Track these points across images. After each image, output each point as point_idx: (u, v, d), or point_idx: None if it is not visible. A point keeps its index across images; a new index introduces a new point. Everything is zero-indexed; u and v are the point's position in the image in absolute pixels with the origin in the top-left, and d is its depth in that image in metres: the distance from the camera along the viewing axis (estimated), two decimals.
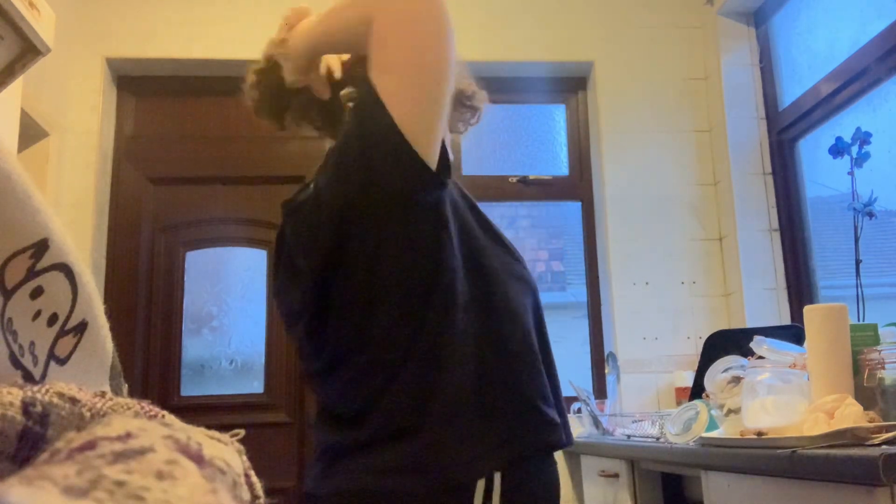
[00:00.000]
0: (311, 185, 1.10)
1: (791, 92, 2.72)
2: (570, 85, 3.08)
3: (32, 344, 0.39)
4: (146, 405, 0.37)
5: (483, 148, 3.02)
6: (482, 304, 1.04)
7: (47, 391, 0.33)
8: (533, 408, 1.04)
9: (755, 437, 1.40)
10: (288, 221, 1.15)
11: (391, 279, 1.00)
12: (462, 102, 1.24)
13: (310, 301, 1.05)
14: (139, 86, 2.92)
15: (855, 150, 2.19)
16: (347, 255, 1.01)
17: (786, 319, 2.63)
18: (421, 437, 0.97)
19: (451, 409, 0.99)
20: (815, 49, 2.59)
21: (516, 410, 1.02)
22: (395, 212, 0.99)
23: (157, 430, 0.30)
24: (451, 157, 1.03)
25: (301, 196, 1.12)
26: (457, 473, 0.97)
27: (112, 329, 0.46)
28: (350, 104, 1.13)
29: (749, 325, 2.58)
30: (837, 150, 2.22)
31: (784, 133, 2.74)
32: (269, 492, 0.38)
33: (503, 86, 2.96)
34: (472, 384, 1.00)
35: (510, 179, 2.96)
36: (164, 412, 0.38)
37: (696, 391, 1.98)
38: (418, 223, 1.00)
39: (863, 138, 2.17)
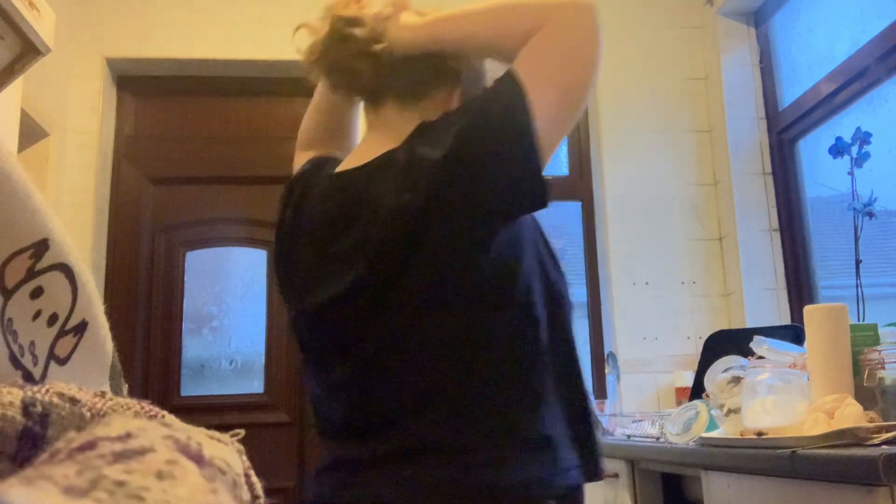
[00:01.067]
0: (398, 152, 1.00)
1: (791, 92, 2.72)
2: None
3: (32, 344, 0.39)
4: (146, 405, 0.37)
5: None
6: (552, 327, 1.00)
7: (47, 391, 0.33)
8: (589, 435, 1.01)
9: (755, 437, 1.40)
10: (369, 179, 1.01)
11: (467, 283, 0.94)
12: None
13: (369, 279, 0.96)
14: (139, 86, 2.92)
15: (855, 150, 2.19)
16: (427, 243, 0.94)
17: (786, 319, 2.63)
18: (476, 455, 0.91)
19: (514, 429, 0.94)
20: (815, 49, 2.59)
21: (573, 438, 0.98)
22: (497, 218, 0.95)
23: (157, 430, 0.30)
24: None
25: (378, 161, 1.01)
26: (514, 497, 0.90)
27: (112, 329, 0.46)
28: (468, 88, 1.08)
29: (749, 325, 2.58)
30: (837, 150, 2.22)
31: (784, 133, 2.74)
32: (269, 492, 0.38)
33: None
34: (533, 405, 0.96)
35: None
36: (164, 412, 0.38)
37: (696, 391, 1.98)
38: (507, 232, 0.97)
39: (863, 138, 2.17)
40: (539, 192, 0.95)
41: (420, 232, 0.93)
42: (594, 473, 1.01)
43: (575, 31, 0.97)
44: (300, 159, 1.32)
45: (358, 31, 1.05)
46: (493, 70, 1.11)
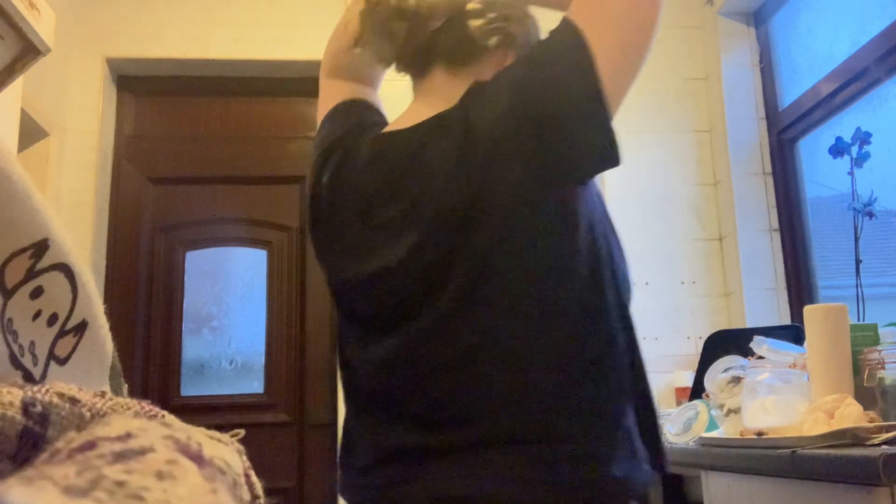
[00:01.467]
0: (451, 113, 0.94)
1: (791, 92, 2.72)
2: None
3: (32, 344, 0.39)
4: (146, 405, 0.37)
5: None
6: (621, 312, 0.93)
7: (47, 391, 0.33)
8: (655, 426, 0.94)
9: (755, 437, 1.40)
10: (420, 142, 0.95)
11: (546, 259, 0.87)
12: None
13: (426, 246, 0.89)
14: (139, 86, 2.92)
15: (855, 150, 2.19)
16: (491, 209, 0.86)
17: (786, 319, 2.63)
18: (569, 447, 0.84)
19: (609, 421, 0.87)
20: (815, 49, 2.59)
21: (641, 429, 0.91)
22: (568, 179, 0.88)
23: (157, 430, 0.30)
24: None
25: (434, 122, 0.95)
26: (604, 493, 0.84)
27: (112, 329, 0.46)
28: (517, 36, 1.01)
29: (749, 325, 2.58)
30: (837, 150, 2.22)
31: (784, 133, 2.74)
32: (269, 492, 0.38)
33: None
34: (619, 392, 0.89)
35: None
36: (164, 412, 0.38)
37: (696, 391, 1.99)
38: (579, 203, 0.89)
39: (863, 138, 2.17)
40: (612, 148, 0.87)
41: (481, 198, 0.86)
42: (662, 467, 0.93)
43: None
44: (328, 89, 1.24)
45: None
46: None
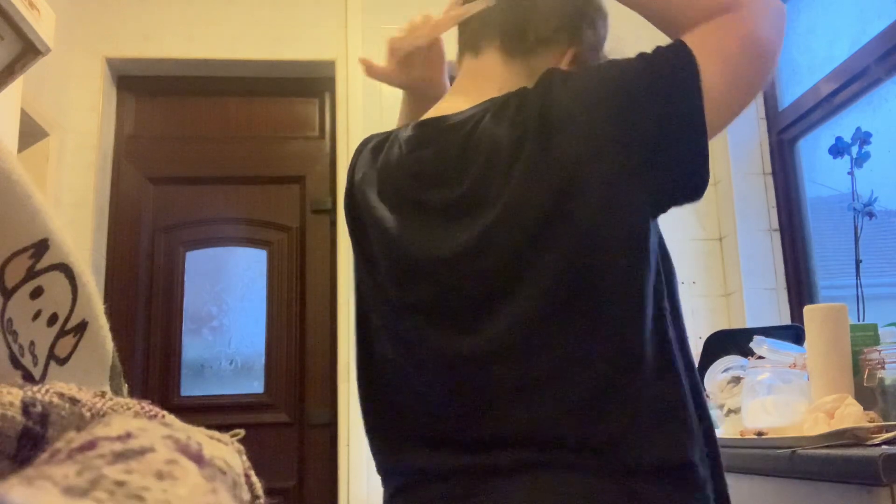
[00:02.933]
0: (529, 91, 0.87)
1: (791, 92, 2.72)
2: None
3: (32, 344, 0.39)
4: (146, 405, 0.37)
5: None
6: (684, 351, 0.88)
7: (47, 391, 0.33)
8: (717, 455, 0.88)
9: (755, 437, 1.40)
10: (484, 122, 0.87)
11: (630, 283, 0.82)
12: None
13: (499, 235, 0.82)
14: (139, 86, 2.92)
15: (855, 150, 2.19)
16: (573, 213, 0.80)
17: (786, 319, 2.63)
18: (641, 478, 0.78)
19: (685, 471, 0.80)
20: (815, 49, 2.59)
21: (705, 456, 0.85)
22: (655, 208, 0.85)
23: (157, 430, 0.30)
24: None
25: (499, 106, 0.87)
26: None
27: (112, 329, 0.46)
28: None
29: (749, 325, 2.57)
30: (837, 150, 2.22)
31: (784, 133, 2.74)
32: (269, 492, 0.38)
33: None
34: (688, 419, 0.83)
35: None
36: (164, 412, 0.38)
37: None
38: (653, 228, 0.86)
39: (863, 138, 2.17)
40: (702, 182, 0.83)
41: (559, 203, 0.80)
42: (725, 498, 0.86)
43: (767, 25, 0.87)
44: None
45: None
46: (614, 49, 1.03)
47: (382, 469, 0.93)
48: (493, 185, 0.83)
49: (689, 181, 0.84)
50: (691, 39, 0.85)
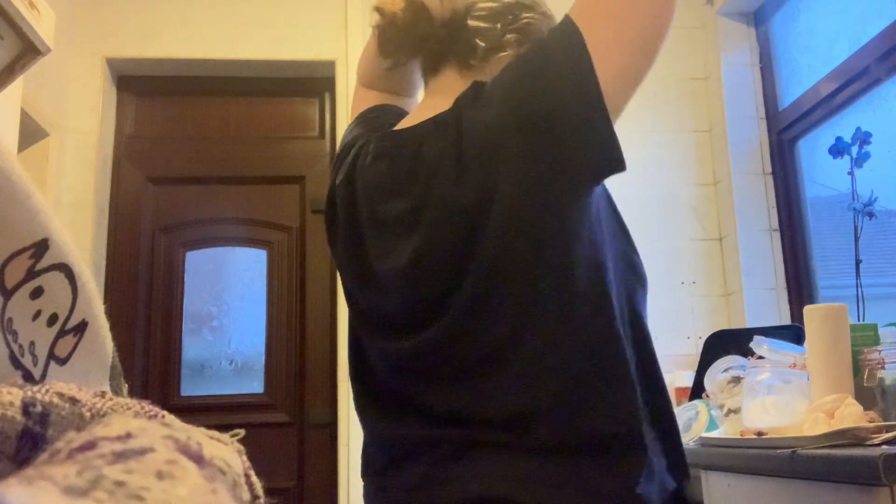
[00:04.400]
0: (449, 114, 0.92)
1: (791, 92, 2.72)
2: None
3: (32, 344, 0.39)
4: (146, 405, 0.37)
5: None
6: (635, 324, 0.93)
7: (47, 391, 0.33)
8: (674, 431, 0.94)
9: (755, 437, 1.40)
10: (421, 141, 0.94)
11: (549, 267, 0.86)
12: None
13: (431, 249, 0.88)
14: (139, 86, 2.92)
15: (855, 150, 2.19)
16: (494, 215, 0.85)
17: (786, 319, 2.63)
18: (598, 459, 0.82)
19: (626, 430, 0.84)
20: (815, 49, 2.59)
21: (656, 436, 0.89)
22: (570, 190, 0.86)
23: (157, 430, 0.30)
24: None
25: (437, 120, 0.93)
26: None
27: (112, 329, 0.46)
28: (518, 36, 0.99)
29: (749, 325, 2.57)
30: (837, 150, 2.22)
31: (784, 133, 2.74)
32: (269, 492, 0.38)
33: None
34: (633, 400, 0.87)
35: None
36: (164, 412, 0.38)
37: (696, 391, 1.99)
38: (586, 209, 0.88)
39: (863, 138, 2.17)
40: (612, 153, 0.84)
41: (483, 202, 0.85)
42: (684, 473, 0.91)
43: None
44: (361, 97, 1.21)
45: None
46: None
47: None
48: (428, 202, 0.89)
49: (598, 159, 0.85)
50: (578, 10, 0.87)
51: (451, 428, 0.87)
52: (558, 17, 0.97)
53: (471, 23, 1.01)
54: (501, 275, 0.85)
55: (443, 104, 0.97)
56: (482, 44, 1.01)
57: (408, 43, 1.03)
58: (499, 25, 1.01)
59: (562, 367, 0.84)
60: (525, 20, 1.03)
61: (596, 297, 0.86)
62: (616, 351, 0.87)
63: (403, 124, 1.01)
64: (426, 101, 1.05)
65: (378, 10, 1.04)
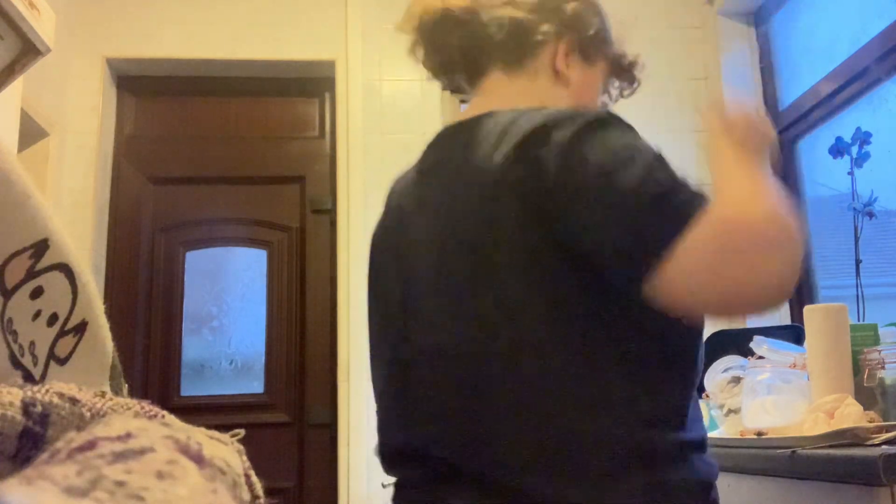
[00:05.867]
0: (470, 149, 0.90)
1: (791, 92, 2.72)
2: None
3: (32, 344, 0.39)
4: (146, 405, 0.37)
5: None
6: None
7: (47, 391, 0.33)
8: None
9: (755, 437, 1.40)
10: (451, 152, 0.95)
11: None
12: (623, 66, 1.12)
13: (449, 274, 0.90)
14: (139, 86, 2.92)
15: (855, 150, 2.19)
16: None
17: (786, 319, 2.62)
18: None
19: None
20: (815, 49, 2.59)
21: None
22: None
23: (157, 430, 0.30)
24: None
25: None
26: None
27: (112, 329, 0.46)
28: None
29: (749, 325, 2.57)
30: (837, 150, 2.22)
31: (784, 133, 2.74)
32: (269, 492, 0.38)
33: None
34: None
35: None
36: (164, 412, 0.38)
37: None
38: None
39: (863, 138, 2.17)
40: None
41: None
42: None
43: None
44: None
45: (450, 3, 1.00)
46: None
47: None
48: (446, 222, 0.90)
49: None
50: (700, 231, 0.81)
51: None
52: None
53: (514, 13, 1.00)
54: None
55: (491, 104, 0.96)
56: (525, 39, 1.00)
57: (461, 42, 1.02)
58: (540, 16, 1.00)
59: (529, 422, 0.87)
60: (570, 10, 1.02)
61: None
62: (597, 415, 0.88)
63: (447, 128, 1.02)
64: (475, 100, 1.04)
65: (415, 17, 1.04)
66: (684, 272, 0.76)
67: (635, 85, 1.17)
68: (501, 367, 0.84)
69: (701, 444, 0.89)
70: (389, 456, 0.96)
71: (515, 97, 0.97)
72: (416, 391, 0.91)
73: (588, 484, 0.80)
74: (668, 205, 0.80)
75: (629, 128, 0.91)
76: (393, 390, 0.96)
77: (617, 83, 1.15)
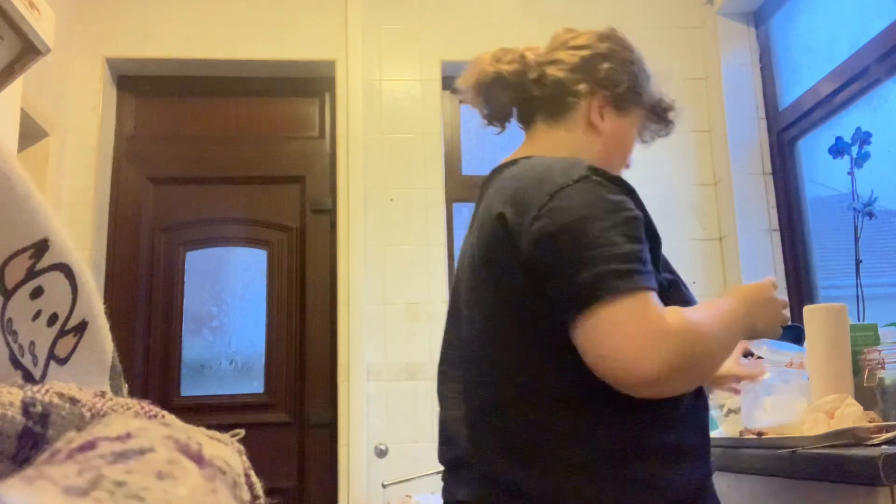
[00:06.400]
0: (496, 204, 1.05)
1: (791, 92, 2.72)
2: None
3: (32, 344, 0.39)
4: (146, 405, 0.37)
5: (483, 148, 3.02)
6: None
7: (47, 391, 0.33)
8: None
9: (755, 437, 1.40)
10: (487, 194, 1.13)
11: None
12: (657, 112, 1.27)
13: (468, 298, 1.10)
14: (139, 86, 2.92)
15: (855, 150, 2.19)
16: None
17: None
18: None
19: None
20: (815, 49, 2.59)
21: None
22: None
23: (157, 430, 0.30)
24: None
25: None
26: None
27: (112, 329, 0.46)
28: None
29: None
30: (837, 150, 2.22)
31: (784, 133, 2.74)
32: (269, 492, 0.38)
33: None
34: None
35: None
36: (164, 412, 0.38)
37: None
38: None
39: (863, 138, 2.17)
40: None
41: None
42: None
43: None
44: None
45: (509, 67, 1.17)
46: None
47: None
48: (472, 263, 1.09)
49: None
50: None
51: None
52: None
53: (555, 74, 1.16)
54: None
55: (529, 150, 1.16)
56: (562, 96, 1.16)
57: (511, 99, 1.20)
58: (578, 76, 1.16)
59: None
60: (603, 71, 1.17)
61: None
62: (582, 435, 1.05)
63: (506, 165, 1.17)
64: (522, 145, 1.21)
65: (472, 78, 1.19)
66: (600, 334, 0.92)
67: (670, 127, 1.34)
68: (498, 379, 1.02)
69: (691, 451, 1.00)
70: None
71: (553, 146, 1.15)
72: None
73: (576, 477, 0.95)
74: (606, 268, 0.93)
75: (610, 187, 1.03)
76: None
77: (653, 127, 1.30)
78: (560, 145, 1.16)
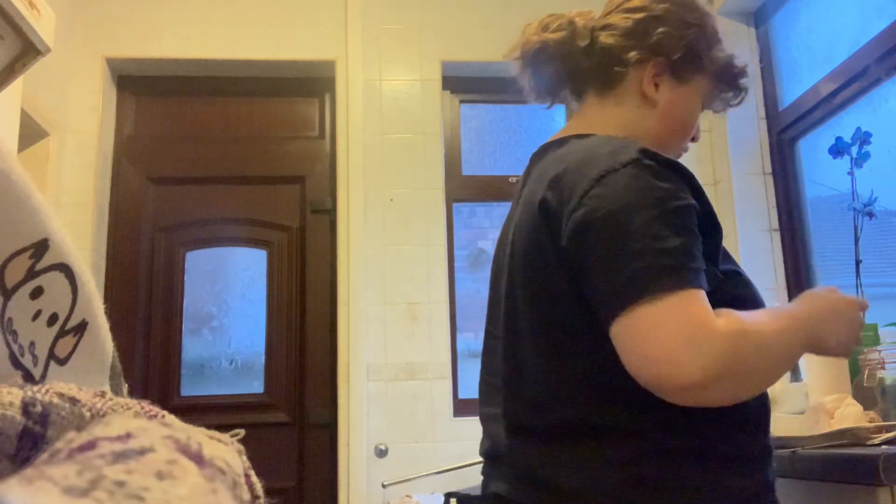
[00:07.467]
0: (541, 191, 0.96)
1: (791, 92, 2.72)
2: None
3: (32, 344, 0.39)
4: (146, 405, 0.37)
5: (483, 148, 3.02)
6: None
7: (47, 391, 0.33)
8: None
9: None
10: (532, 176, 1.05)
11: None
12: (725, 79, 1.16)
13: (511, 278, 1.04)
14: (139, 86, 2.92)
15: (855, 150, 2.19)
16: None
17: None
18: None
19: None
20: (815, 49, 2.59)
21: None
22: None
23: (157, 430, 0.30)
24: None
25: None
26: None
27: (112, 329, 0.46)
28: None
29: None
30: (837, 150, 2.22)
31: (784, 133, 2.74)
32: (269, 492, 0.38)
33: (503, 86, 2.96)
34: None
35: (510, 179, 2.97)
36: (164, 412, 0.38)
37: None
38: None
39: (863, 138, 2.17)
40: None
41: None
42: None
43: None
44: None
45: (555, 35, 1.09)
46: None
47: None
48: (514, 245, 1.02)
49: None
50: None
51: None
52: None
53: (605, 41, 1.07)
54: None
55: (585, 128, 1.06)
56: (611, 66, 1.07)
57: (558, 71, 1.11)
58: (629, 42, 1.06)
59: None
60: (657, 36, 1.06)
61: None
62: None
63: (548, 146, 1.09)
64: (570, 123, 1.12)
65: (517, 50, 1.12)
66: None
67: (742, 94, 1.22)
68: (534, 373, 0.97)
69: (752, 458, 0.92)
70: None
71: (603, 122, 1.06)
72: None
73: (618, 476, 0.88)
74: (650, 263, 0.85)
75: (661, 172, 0.93)
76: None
77: (722, 94, 1.18)
78: (610, 121, 1.06)
